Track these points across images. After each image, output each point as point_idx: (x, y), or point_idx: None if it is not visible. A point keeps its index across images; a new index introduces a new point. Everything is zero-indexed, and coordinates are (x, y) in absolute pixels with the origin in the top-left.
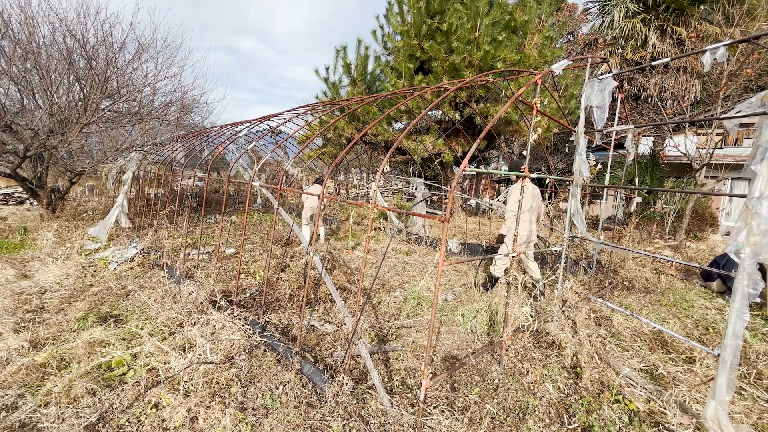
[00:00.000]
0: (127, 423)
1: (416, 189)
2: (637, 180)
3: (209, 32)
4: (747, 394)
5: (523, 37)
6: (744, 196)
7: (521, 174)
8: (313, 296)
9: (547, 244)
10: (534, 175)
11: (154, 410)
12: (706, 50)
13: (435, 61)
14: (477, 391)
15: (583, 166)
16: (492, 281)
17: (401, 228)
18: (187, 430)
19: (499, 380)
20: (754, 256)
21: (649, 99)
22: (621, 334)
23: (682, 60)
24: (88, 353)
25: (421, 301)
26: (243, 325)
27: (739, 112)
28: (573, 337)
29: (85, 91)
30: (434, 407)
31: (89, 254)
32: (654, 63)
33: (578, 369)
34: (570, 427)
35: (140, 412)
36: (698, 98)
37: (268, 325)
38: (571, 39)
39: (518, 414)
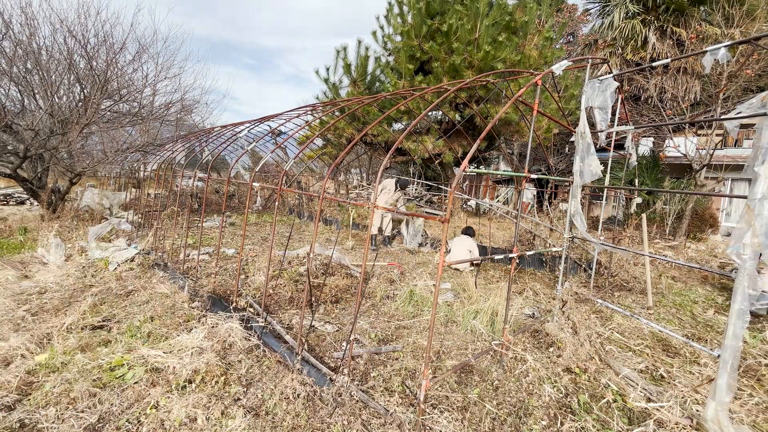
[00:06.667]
0: (126, 423)
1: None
2: (637, 181)
3: None
4: (745, 394)
5: (523, 37)
6: (744, 197)
7: (521, 175)
8: (312, 297)
9: (548, 244)
10: (534, 176)
11: (153, 411)
12: (706, 51)
13: (435, 62)
14: (477, 391)
15: (594, 163)
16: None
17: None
18: (187, 430)
19: (498, 380)
20: (755, 257)
21: (649, 100)
22: (621, 334)
23: (682, 61)
24: (88, 353)
25: (421, 300)
26: (243, 326)
27: (740, 113)
28: (573, 337)
29: (85, 91)
30: (434, 407)
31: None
32: (654, 64)
33: (578, 369)
34: (569, 427)
35: (140, 413)
36: (698, 99)
37: (268, 326)
38: (571, 40)
39: (518, 414)
